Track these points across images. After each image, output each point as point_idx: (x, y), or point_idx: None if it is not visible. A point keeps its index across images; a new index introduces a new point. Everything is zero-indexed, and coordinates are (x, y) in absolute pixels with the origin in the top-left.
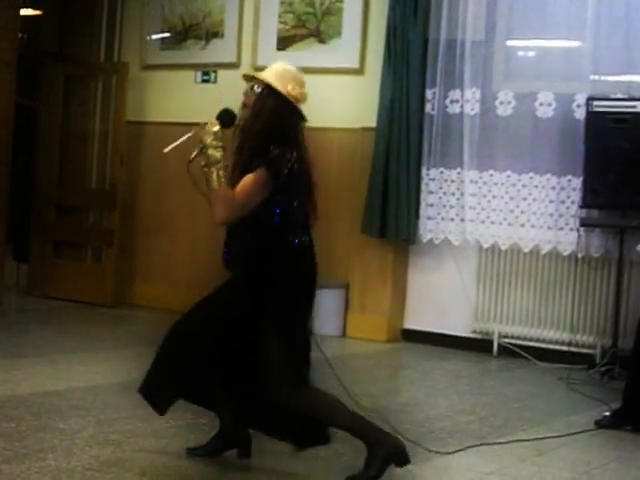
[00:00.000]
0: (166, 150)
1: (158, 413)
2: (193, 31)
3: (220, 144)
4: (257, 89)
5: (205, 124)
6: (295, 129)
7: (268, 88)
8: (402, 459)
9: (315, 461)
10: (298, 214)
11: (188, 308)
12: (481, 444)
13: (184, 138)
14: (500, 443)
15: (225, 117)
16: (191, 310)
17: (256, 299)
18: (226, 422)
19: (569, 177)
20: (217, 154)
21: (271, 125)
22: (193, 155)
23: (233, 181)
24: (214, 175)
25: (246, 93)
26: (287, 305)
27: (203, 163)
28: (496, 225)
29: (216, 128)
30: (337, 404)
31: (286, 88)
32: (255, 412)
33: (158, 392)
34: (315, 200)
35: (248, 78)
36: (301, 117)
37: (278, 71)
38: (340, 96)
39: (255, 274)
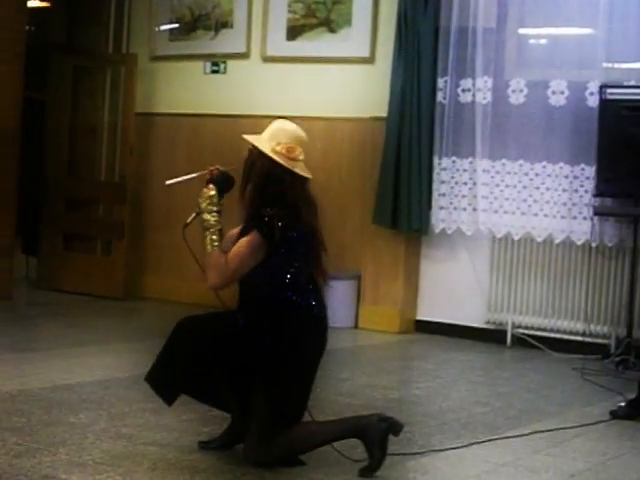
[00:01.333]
0: (168, 183)
1: (166, 403)
2: (202, 21)
3: (215, 209)
4: (249, 153)
5: (212, 171)
6: (290, 189)
7: (255, 149)
8: (395, 428)
9: (328, 454)
10: (301, 277)
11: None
12: (495, 436)
13: (188, 177)
14: (515, 435)
15: (221, 182)
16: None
17: (262, 361)
18: (237, 415)
19: (582, 166)
20: (211, 219)
21: (260, 187)
22: (189, 219)
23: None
24: (207, 239)
25: (246, 155)
26: (281, 371)
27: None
28: (509, 214)
29: (212, 192)
30: (309, 429)
31: (271, 147)
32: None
33: (164, 383)
34: (322, 264)
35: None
36: (293, 175)
37: (272, 130)
38: (351, 86)
39: (259, 331)
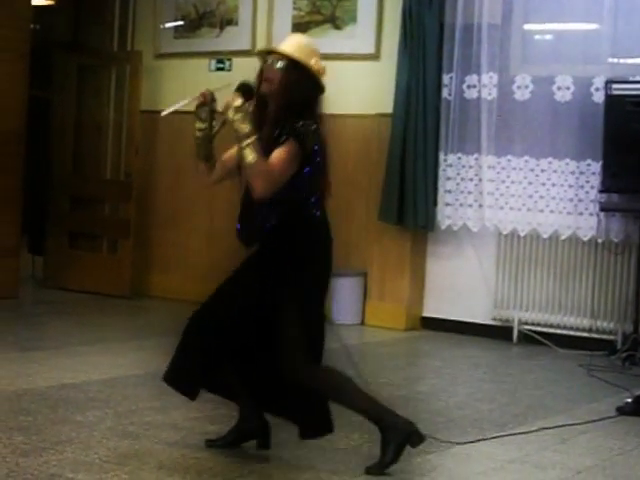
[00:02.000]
0: (163, 114)
1: (190, 399)
2: (207, 19)
3: (246, 117)
4: (280, 64)
5: (204, 94)
6: (317, 103)
7: (292, 62)
8: (416, 439)
9: (334, 452)
10: (318, 188)
11: (209, 294)
12: (502, 432)
13: (181, 104)
14: (521, 432)
15: (245, 89)
16: (212, 296)
17: (278, 273)
18: (244, 413)
19: (588, 161)
20: (246, 127)
21: (298, 100)
22: (216, 128)
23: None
24: (247, 149)
25: (267, 68)
26: (308, 280)
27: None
28: (515, 211)
29: (239, 101)
30: (352, 386)
31: (310, 62)
32: (267, 393)
33: (185, 378)
34: (329, 176)
35: (267, 53)
36: (322, 90)
37: (300, 45)
38: (356, 82)
39: (278, 248)
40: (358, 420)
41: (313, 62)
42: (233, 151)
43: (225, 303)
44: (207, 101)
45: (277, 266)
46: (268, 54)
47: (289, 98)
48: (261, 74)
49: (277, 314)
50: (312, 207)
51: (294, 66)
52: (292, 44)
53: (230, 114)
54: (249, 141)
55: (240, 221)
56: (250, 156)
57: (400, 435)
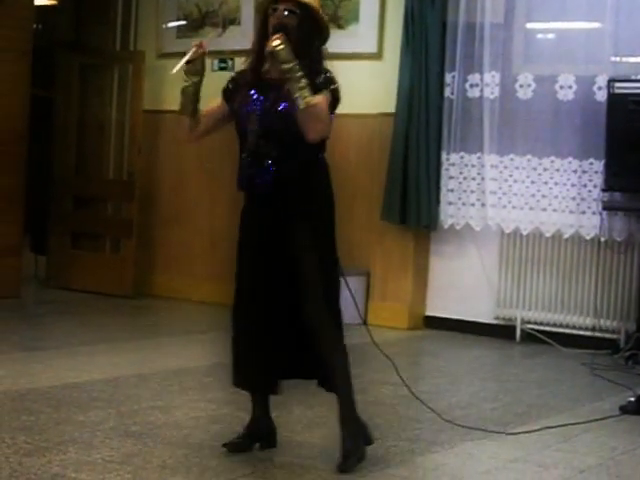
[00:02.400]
0: (174, 71)
1: (273, 394)
2: (209, 18)
3: (291, 54)
4: (292, 13)
5: (198, 46)
6: (324, 46)
7: (307, 11)
8: (368, 440)
9: (337, 452)
10: None
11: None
12: (505, 431)
13: (186, 58)
14: (524, 431)
15: (279, 29)
16: (246, 286)
17: (304, 219)
18: (256, 413)
19: (591, 160)
20: (296, 66)
21: (317, 49)
22: (267, 66)
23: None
24: (304, 90)
25: (280, 16)
26: (330, 225)
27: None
28: (517, 210)
29: (279, 41)
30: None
31: (320, 10)
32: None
33: (252, 378)
34: None
35: (273, 1)
36: (327, 39)
37: None
38: (358, 81)
39: (302, 194)
40: (363, 418)
41: (321, 10)
42: (217, 102)
43: (264, 285)
44: (205, 51)
45: (303, 213)
46: (275, 2)
47: (306, 47)
48: (264, 25)
49: (302, 258)
50: (323, 151)
51: (308, 14)
52: None
53: (282, 54)
54: (305, 80)
55: (247, 170)
56: (309, 97)
57: (364, 433)
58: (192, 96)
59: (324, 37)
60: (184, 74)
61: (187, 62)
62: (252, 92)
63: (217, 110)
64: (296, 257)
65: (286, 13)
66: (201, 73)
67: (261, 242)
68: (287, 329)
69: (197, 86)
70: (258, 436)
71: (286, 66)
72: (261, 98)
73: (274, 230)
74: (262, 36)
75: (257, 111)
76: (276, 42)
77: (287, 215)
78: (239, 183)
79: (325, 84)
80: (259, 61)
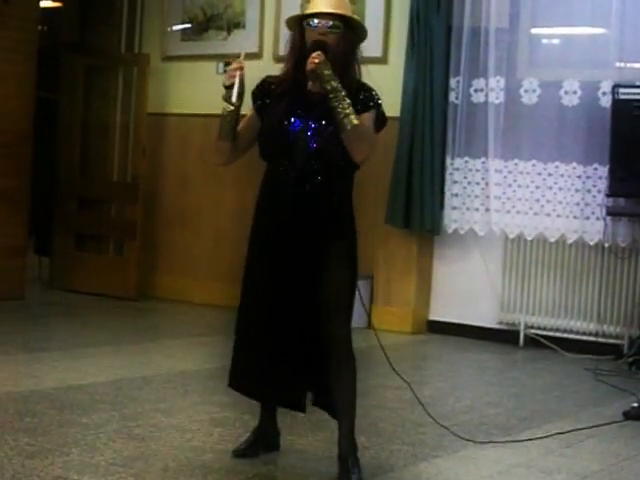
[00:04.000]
0: (234, 100)
1: (301, 412)
2: (214, 22)
3: (333, 72)
4: (335, 28)
5: (237, 69)
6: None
7: (347, 23)
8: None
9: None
10: None
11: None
12: (508, 436)
13: (238, 80)
14: (527, 436)
15: (318, 47)
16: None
17: (342, 235)
18: (265, 418)
19: (595, 165)
20: (338, 84)
21: (358, 63)
22: (310, 85)
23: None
24: (348, 110)
25: (323, 32)
26: (355, 247)
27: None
28: (522, 215)
29: (322, 58)
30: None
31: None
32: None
33: (257, 384)
34: None
35: (307, 16)
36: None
37: (347, 3)
38: None
39: (345, 210)
40: (362, 425)
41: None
42: (248, 117)
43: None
44: (244, 73)
45: (342, 232)
46: (310, 17)
47: (347, 63)
48: (300, 40)
49: (334, 277)
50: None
51: (350, 28)
52: (338, 1)
53: (325, 70)
54: (348, 100)
55: (293, 189)
56: (355, 117)
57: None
58: (234, 121)
59: (359, 45)
60: (226, 101)
61: (239, 86)
62: (297, 108)
63: (252, 125)
64: (327, 274)
65: (328, 29)
66: (243, 96)
67: (288, 255)
68: (297, 344)
69: (238, 110)
70: (265, 442)
71: (328, 87)
72: (308, 116)
73: (306, 245)
74: (299, 50)
75: (308, 130)
76: (316, 61)
77: (325, 233)
78: (275, 199)
79: (369, 101)
80: (299, 74)
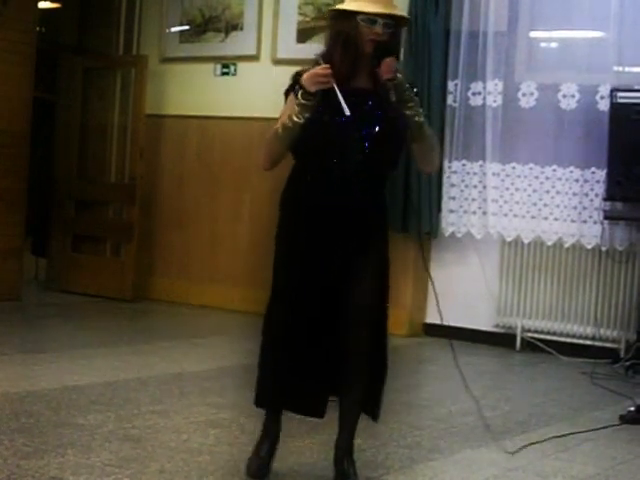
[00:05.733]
0: (348, 112)
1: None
2: (212, 24)
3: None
4: (389, 27)
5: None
6: None
7: (397, 22)
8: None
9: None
10: None
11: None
12: (504, 440)
13: (339, 92)
14: (524, 440)
15: (388, 51)
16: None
17: (382, 236)
18: (275, 424)
19: (593, 169)
20: (414, 98)
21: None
22: (391, 95)
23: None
24: (424, 122)
25: (381, 32)
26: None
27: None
28: (519, 218)
29: (398, 72)
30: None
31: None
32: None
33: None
34: None
35: (355, 13)
36: None
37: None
38: None
39: (381, 224)
40: (359, 427)
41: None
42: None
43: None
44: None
45: (382, 232)
46: (366, 14)
47: (397, 60)
48: (356, 38)
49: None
50: None
51: (400, 26)
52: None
53: (401, 85)
54: (421, 110)
55: (343, 194)
56: (427, 127)
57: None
58: (299, 130)
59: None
60: (299, 112)
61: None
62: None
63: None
64: (356, 282)
65: (386, 29)
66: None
67: (330, 255)
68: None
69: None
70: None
71: (406, 96)
72: (361, 117)
73: (346, 246)
74: (354, 46)
75: (362, 129)
76: (394, 70)
77: (365, 235)
78: (318, 201)
79: (419, 107)
80: (352, 71)
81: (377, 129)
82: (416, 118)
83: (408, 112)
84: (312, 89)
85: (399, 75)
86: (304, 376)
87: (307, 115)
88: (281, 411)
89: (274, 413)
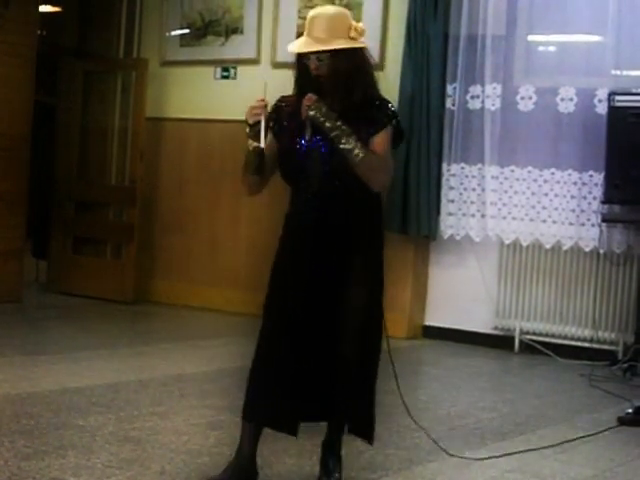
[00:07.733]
0: (263, 145)
1: (294, 434)
2: (212, 27)
3: (329, 111)
4: (322, 60)
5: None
6: (372, 72)
7: (334, 52)
8: None
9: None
10: None
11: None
12: (503, 441)
13: (264, 121)
14: (522, 441)
15: (316, 86)
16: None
17: (360, 251)
18: (245, 452)
19: (591, 172)
20: (335, 121)
21: (370, 77)
22: (308, 136)
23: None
24: (354, 143)
25: (316, 66)
26: (381, 259)
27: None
28: (517, 221)
29: (314, 97)
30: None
31: (349, 37)
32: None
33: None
34: None
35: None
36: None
37: (331, 23)
38: None
39: (363, 233)
40: None
41: (352, 33)
42: (268, 145)
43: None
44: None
45: (360, 247)
46: (312, 54)
47: (351, 82)
48: (302, 72)
49: (351, 293)
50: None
51: (337, 54)
52: (323, 29)
53: (317, 113)
54: (351, 134)
55: (314, 213)
56: (360, 151)
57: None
58: (259, 157)
59: (364, 57)
60: (251, 139)
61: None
62: (308, 127)
63: (274, 148)
64: (343, 292)
65: (318, 61)
66: (267, 134)
67: (310, 271)
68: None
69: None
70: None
71: (327, 125)
72: (320, 137)
73: (327, 261)
74: (297, 78)
75: (321, 149)
76: (307, 105)
77: (344, 248)
78: (296, 221)
79: (383, 117)
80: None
81: (331, 148)
82: (341, 146)
83: (335, 143)
84: (250, 121)
85: (311, 112)
86: (283, 393)
87: (255, 144)
88: (257, 426)
89: (251, 427)
